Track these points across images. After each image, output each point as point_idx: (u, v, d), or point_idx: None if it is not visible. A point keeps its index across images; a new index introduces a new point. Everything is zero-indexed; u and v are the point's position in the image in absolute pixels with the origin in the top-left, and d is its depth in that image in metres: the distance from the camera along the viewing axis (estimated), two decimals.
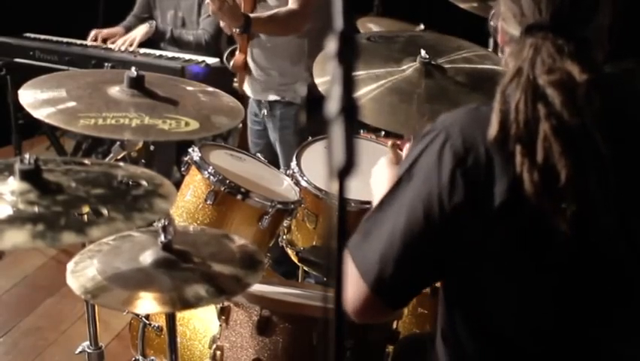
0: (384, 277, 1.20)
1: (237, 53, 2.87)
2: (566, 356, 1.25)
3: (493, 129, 1.14)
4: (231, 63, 2.90)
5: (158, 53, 3.62)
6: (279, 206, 2.03)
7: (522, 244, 1.17)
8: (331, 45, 0.73)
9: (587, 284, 1.21)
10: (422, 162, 1.19)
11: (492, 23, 1.34)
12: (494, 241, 1.17)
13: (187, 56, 3.54)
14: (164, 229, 1.47)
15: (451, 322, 1.30)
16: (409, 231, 1.18)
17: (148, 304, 1.40)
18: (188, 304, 1.41)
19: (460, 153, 1.16)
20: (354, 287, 1.22)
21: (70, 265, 1.49)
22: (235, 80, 3.03)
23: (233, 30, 2.61)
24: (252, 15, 2.59)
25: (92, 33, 3.78)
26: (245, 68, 2.87)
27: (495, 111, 1.15)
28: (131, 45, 3.63)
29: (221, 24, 2.70)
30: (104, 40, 3.76)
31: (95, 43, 3.80)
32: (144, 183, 1.43)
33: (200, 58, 3.51)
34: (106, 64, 3.50)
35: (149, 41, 3.70)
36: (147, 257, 1.48)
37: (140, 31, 3.65)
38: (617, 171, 1.16)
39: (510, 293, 1.22)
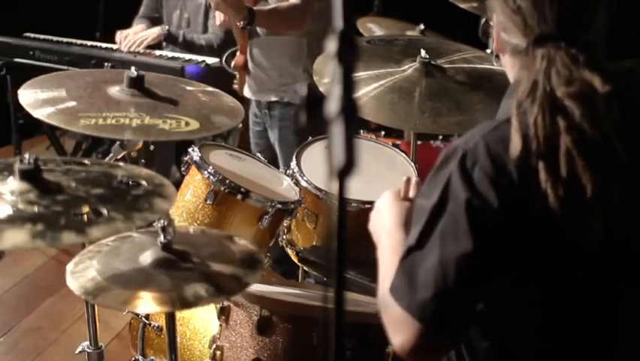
0: (444, 312, 1.14)
1: (238, 53, 2.88)
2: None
3: (515, 148, 1.12)
4: (232, 64, 2.90)
5: (158, 52, 3.62)
6: (279, 206, 2.03)
7: (553, 256, 1.16)
8: (331, 45, 0.73)
9: (613, 291, 1.21)
10: (454, 187, 1.15)
11: (484, 31, 1.31)
12: (529, 254, 1.16)
13: (187, 56, 3.54)
14: (164, 229, 1.47)
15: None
16: (461, 258, 1.12)
17: (148, 304, 1.40)
18: (187, 304, 1.41)
19: (491, 174, 1.13)
20: (407, 332, 1.15)
21: (69, 266, 1.49)
22: (235, 81, 3.02)
23: (237, 24, 2.61)
24: (254, 7, 2.59)
25: (118, 36, 3.70)
26: (245, 68, 2.87)
27: (514, 128, 1.13)
28: (139, 45, 3.60)
29: (220, 17, 2.68)
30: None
31: (96, 43, 3.80)
32: (144, 183, 1.43)
33: (200, 58, 3.51)
34: (106, 64, 3.50)
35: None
36: (147, 257, 1.48)
37: (153, 34, 3.62)
38: (635, 176, 1.15)
39: (535, 302, 1.21)
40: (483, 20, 1.30)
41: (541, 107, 1.12)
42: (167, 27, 3.64)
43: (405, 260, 1.19)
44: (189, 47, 3.64)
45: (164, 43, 3.73)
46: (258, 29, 2.72)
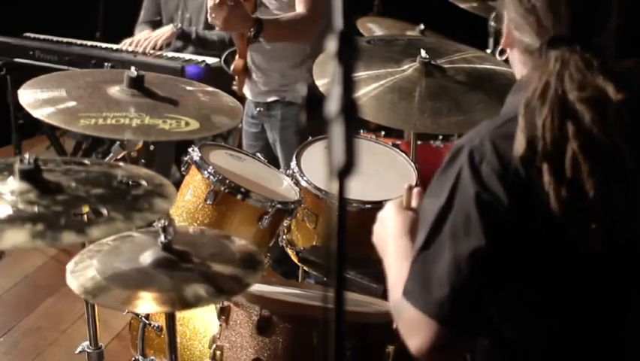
0: (460, 310, 1.14)
1: (237, 57, 2.86)
2: None
3: (519, 147, 1.11)
4: (231, 67, 2.89)
5: (158, 52, 3.62)
6: (279, 206, 2.03)
7: (555, 256, 1.16)
8: (331, 45, 0.73)
9: (616, 297, 1.21)
10: (463, 182, 1.14)
11: (494, 24, 1.32)
12: (535, 252, 1.16)
13: (187, 56, 3.54)
14: (164, 229, 1.47)
15: None
16: (474, 253, 1.12)
17: (148, 304, 1.40)
18: (187, 304, 1.41)
19: (499, 170, 1.13)
20: (424, 333, 1.15)
21: (69, 266, 1.49)
22: (234, 82, 3.02)
23: (247, 34, 2.57)
24: (263, 18, 2.54)
25: (128, 42, 3.67)
26: (245, 71, 2.86)
27: (520, 127, 1.12)
28: (154, 46, 3.56)
29: (216, 21, 2.62)
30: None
31: (96, 43, 3.80)
32: (144, 183, 1.43)
33: (200, 58, 3.51)
34: (106, 64, 3.49)
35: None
36: (147, 257, 1.48)
37: (166, 33, 3.58)
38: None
39: (537, 301, 1.21)
40: (494, 14, 1.29)
41: (552, 109, 1.12)
42: (179, 25, 3.62)
43: (416, 262, 1.18)
44: (202, 44, 3.61)
45: (179, 43, 3.70)
46: (260, 38, 2.63)
